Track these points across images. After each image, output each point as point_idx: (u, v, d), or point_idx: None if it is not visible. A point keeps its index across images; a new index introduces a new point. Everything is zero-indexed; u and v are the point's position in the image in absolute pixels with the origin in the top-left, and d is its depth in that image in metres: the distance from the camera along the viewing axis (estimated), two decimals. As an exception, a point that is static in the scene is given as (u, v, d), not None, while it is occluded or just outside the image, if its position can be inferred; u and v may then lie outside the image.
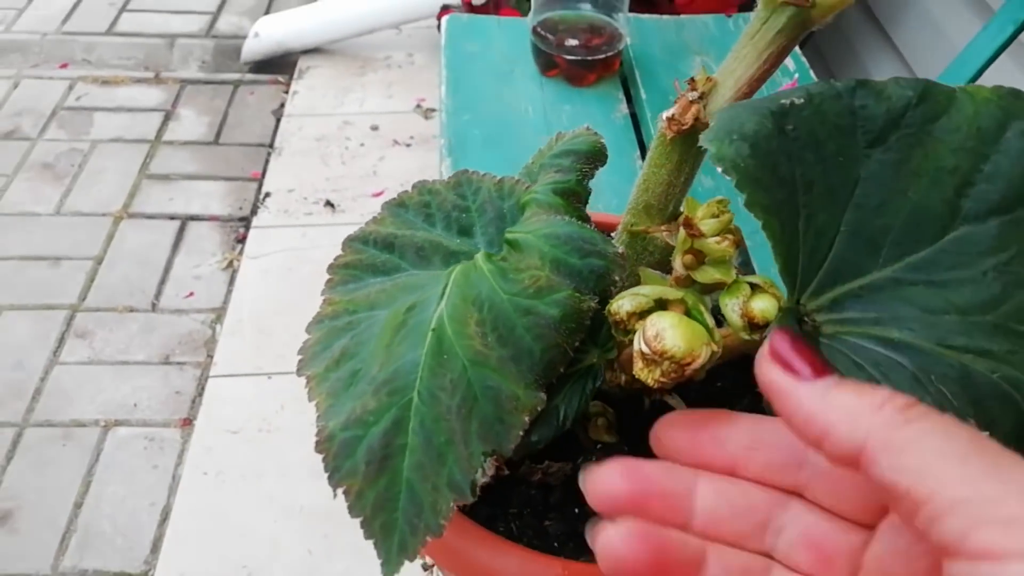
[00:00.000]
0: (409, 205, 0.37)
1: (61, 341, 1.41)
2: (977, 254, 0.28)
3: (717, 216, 0.32)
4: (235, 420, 1.29)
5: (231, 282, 1.52)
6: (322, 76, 1.96)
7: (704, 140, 0.28)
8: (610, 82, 0.94)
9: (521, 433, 0.29)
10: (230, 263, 1.56)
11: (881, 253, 0.29)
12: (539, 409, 0.29)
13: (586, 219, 0.34)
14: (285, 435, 1.27)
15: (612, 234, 0.42)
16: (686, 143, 0.36)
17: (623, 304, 0.30)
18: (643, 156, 0.84)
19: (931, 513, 0.18)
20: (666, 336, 0.27)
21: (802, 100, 0.29)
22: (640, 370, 0.28)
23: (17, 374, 1.36)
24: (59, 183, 1.70)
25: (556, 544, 0.35)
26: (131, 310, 1.47)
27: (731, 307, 0.30)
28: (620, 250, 0.32)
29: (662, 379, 0.28)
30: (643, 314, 0.29)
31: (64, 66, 2.01)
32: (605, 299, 0.32)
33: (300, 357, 0.33)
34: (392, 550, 0.27)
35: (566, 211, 0.33)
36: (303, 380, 0.32)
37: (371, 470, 0.28)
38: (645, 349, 0.27)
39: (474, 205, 0.37)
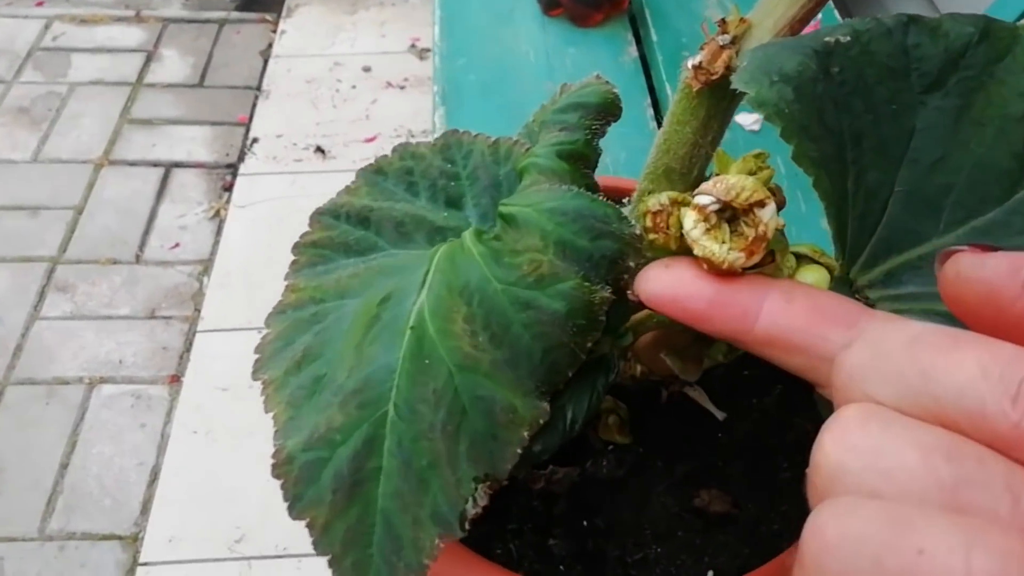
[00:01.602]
0: (388, 172, 0.32)
1: (41, 295, 1.36)
2: (1055, 215, 0.25)
3: (755, 173, 0.27)
4: (224, 376, 1.25)
5: (218, 232, 1.46)
6: (311, 14, 1.87)
7: (739, 82, 0.25)
8: (618, 22, 0.87)
9: (519, 451, 0.25)
10: (217, 212, 1.50)
11: (942, 216, 0.26)
12: (541, 422, 0.25)
13: (595, 188, 0.29)
14: (276, 393, 1.23)
15: (625, 200, 0.38)
16: (715, 96, 0.31)
17: (663, 194, 0.25)
18: (654, 104, 0.77)
19: None
20: (727, 177, 0.23)
21: (848, 38, 0.25)
22: (704, 246, 0.23)
23: (-3, 330, 1.32)
24: (36, 128, 1.62)
25: (562, 567, 0.31)
26: (114, 262, 1.42)
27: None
28: (637, 230, 0.26)
29: (732, 251, 0.23)
30: (686, 203, 0.25)
31: (40, 4, 1.92)
32: (617, 289, 0.27)
33: (256, 356, 0.29)
34: None
35: (572, 179, 0.28)
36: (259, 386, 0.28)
37: (339, 499, 0.24)
38: (705, 200, 0.23)
39: (464, 171, 0.31)
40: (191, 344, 1.31)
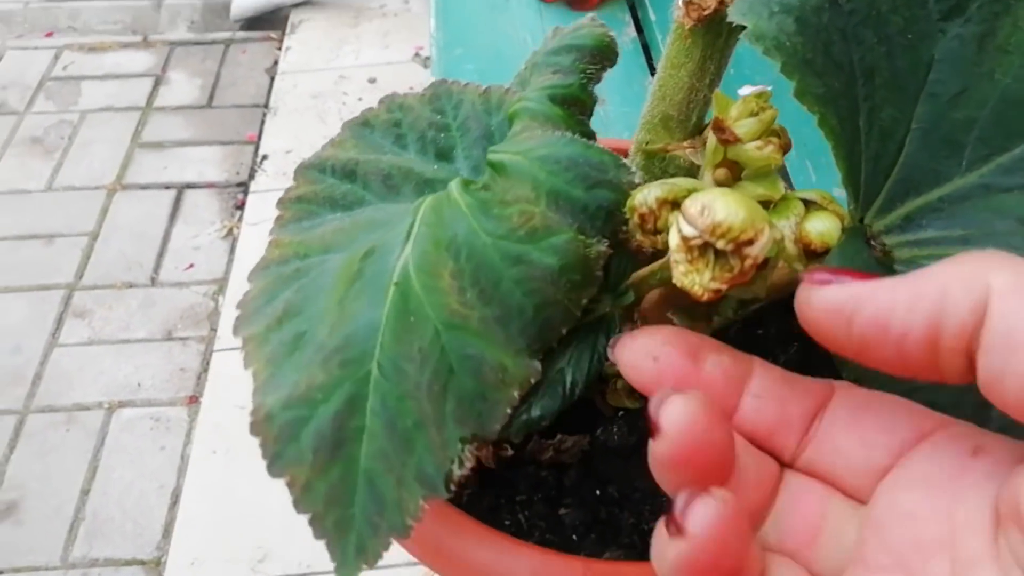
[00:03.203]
0: (375, 124, 0.30)
1: (59, 322, 1.36)
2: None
3: (756, 115, 0.25)
4: (243, 395, 1.23)
5: (232, 251, 1.45)
6: (315, 29, 1.87)
7: (736, 13, 0.24)
8: (615, 5, 0.85)
9: (509, 411, 0.23)
10: (230, 231, 1.49)
11: (964, 154, 0.25)
12: (532, 381, 0.24)
13: (591, 135, 0.27)
14: (295, 408, 1.21)
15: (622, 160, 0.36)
16: (710, 34, 0.29)
17: (650, 192, 0.23)
18: (658, 82, 0.75)
19: None
20: (716, 207, 0.20)
21: (858, -40, 0.24)
22: (684, 274, 0.21)
23: (15, 359, 1.31)
24: (49, 157, 1.63)
25: (574, 537, 0.29)
26: (130, 286, 1.41)
27: (781, 230, 0.24)
28: (637, 179, 0.24)
29: (714, 282, 0.21)
30: (677, 203, 0.23)
31: (49, 35, 1.93)
32: (616, 242, 0.25)
33: (238, 312, 0.27)
34: (348, 552, 0.22)
35: (566, 124, 0.26)
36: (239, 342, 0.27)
37: (320, 458, 0.23)
38: (689, 231, 0.21)
39: (455, 122, 0.30)
40: (208, 364, 1.29)
